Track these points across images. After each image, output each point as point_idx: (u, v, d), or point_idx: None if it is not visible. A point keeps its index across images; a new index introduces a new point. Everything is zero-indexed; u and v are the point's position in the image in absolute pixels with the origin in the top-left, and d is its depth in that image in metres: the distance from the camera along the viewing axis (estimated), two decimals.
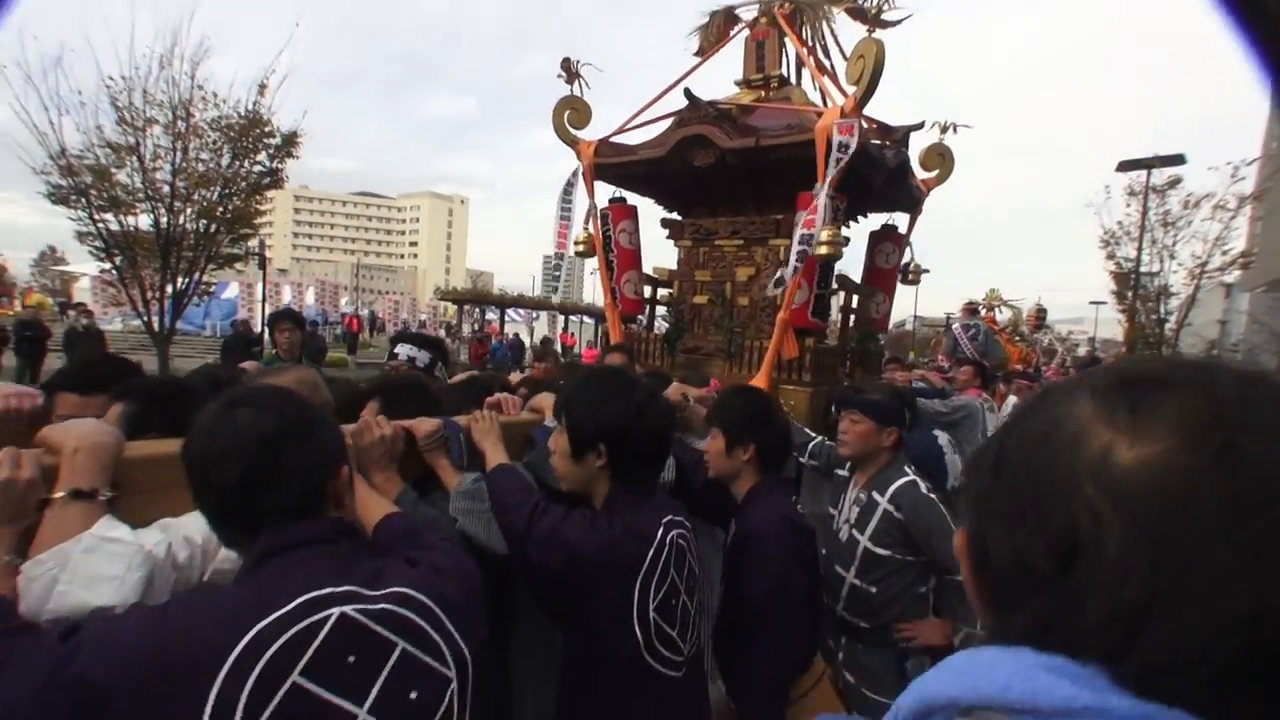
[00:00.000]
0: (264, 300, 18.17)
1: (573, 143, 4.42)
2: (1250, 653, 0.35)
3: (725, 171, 3.95)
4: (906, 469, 2.32)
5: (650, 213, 4.88)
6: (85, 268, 22.00)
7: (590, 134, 4.41)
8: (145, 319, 12.27)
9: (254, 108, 12.14)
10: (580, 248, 4.56)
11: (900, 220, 4.72)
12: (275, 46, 12.32)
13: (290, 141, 12.67)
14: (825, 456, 2.85)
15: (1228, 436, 0.37)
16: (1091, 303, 28.91)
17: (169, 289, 12.26)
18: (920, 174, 4.50)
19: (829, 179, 3.29)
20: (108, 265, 12.58)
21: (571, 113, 4.40)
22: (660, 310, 4.89)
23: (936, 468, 3.24)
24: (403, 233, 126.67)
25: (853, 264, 4.77)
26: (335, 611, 0.87)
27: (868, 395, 2.39)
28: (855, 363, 4.72)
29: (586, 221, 4.54)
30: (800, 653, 1.82)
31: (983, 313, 10.03)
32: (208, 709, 0.78)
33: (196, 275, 12.67)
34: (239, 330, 14.35)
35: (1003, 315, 11.47)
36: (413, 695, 0.90)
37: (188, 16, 11.64)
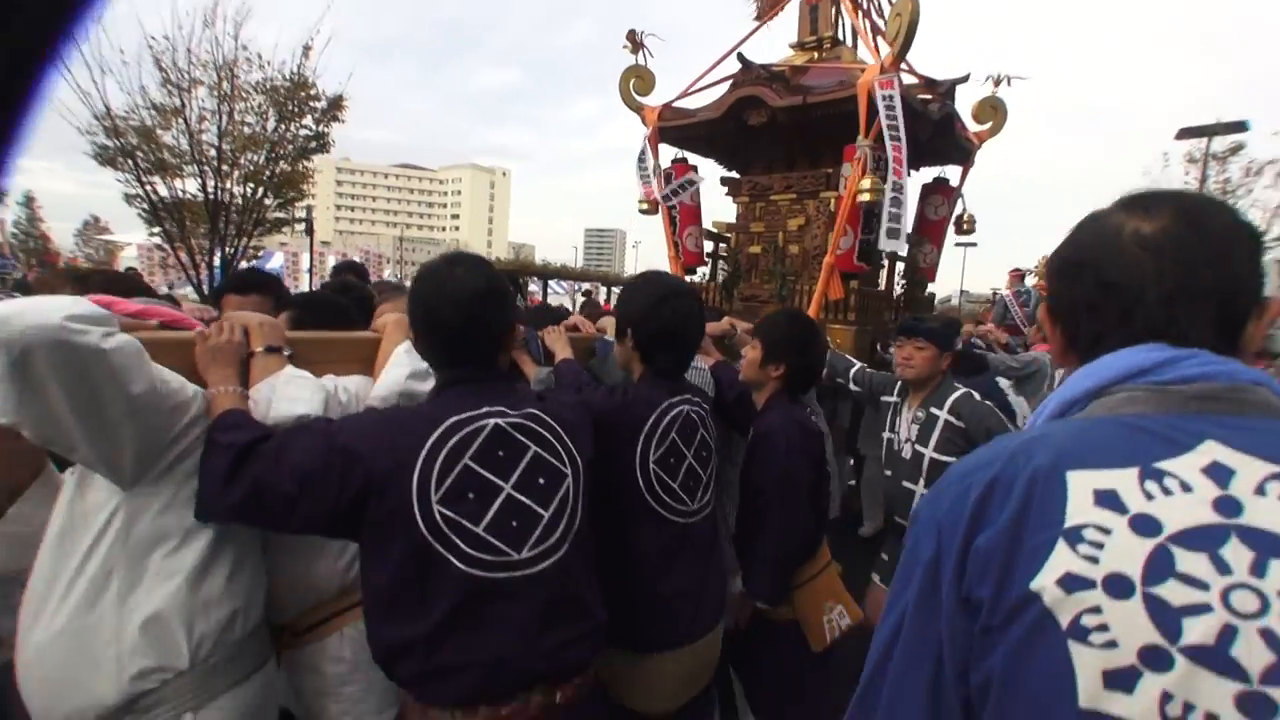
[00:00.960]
0: (311, 270, 18.75)
1: (638, 109, 4.83)
2: (1217, 312, 0.72)
3: (777, 129, 4.22)
4: (957, 385, 2.62)
5: (712, 173, 5.29)
6: (130, 237, 22.91)
7: (653, 100, 4.82)
8: (196, 285, 12.81)
9: (299, 70, 12.43)
10: (645, 206, 4.95)
11: (953, 173, 4.91)
12: (317, 10, 12.56)
13: (335, 105, 12.96)
14: (868, 383, 3.07)
15: (1195, 216, 0.74)
16: None
17: (217, 255, 12.78)
18: (973, 127, 4.69)
19: (894, 135, 3.58)
20: (155, 230, 13.12)
21: (636, 80, 4.82)
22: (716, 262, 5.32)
23: (1002, 404, 3.60)
24: (444, 205, 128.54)
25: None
26: (491, 421, 1.32)
27: (929, 324, 2.70)
28: (904, 307, 5.01)
29: (652, 182, 4.91)
30: (802, 539, 2.04)
31: (1032, 280, 9.86)
32: (416, 473, 1.24)
33: (244, 241, 13.17)
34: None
35: None
36: (540, 481, 1.35)
37: None
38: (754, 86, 4.18)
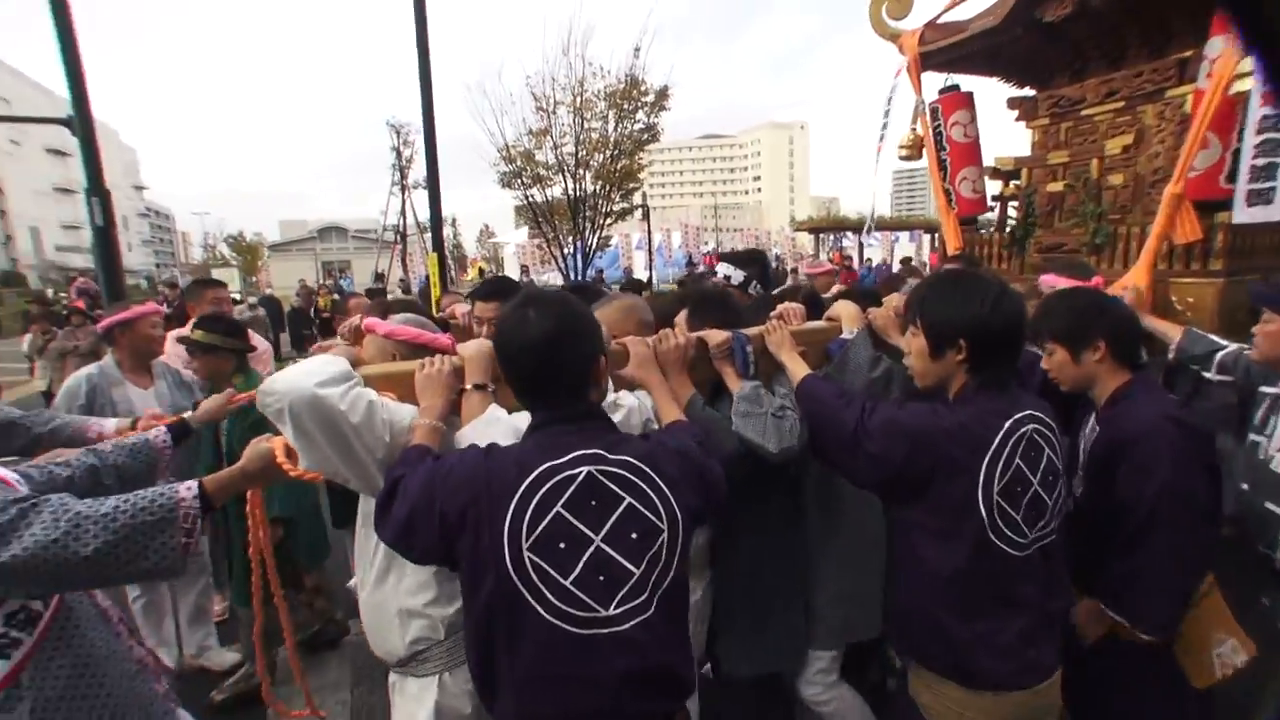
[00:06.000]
0: (649, 248, 21.98)
1: (894, 37, 4.29)
2: None
3: (1090, 20, 3.46)
4: None
5: (993, 96, 4.57)
6: (508, 237, 29.55)
7: (912, 22, 4.24)
8: (563, 271, 16.35)
9: (631, 71, 14.99)
10: (905, 152, 4.49)
11: None
12: (643, 10, 14.95)
13: (662, 96, 15.26)
14: (1244, 370, 2.33)
15: None
16: None
17: (579, 245, 16.09)
18: None
19: None
20: (535, 232, 16.93)
21: (890, 3, 4.28)
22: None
23: None
24: (745, 169, 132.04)
25: None
26: (585, 470, 1.34)
27: None
28: None
29: (914, 121, 4.42)
30: (1203, 563, 1.87)
31: None
32: (508, 518, 1.30)
33: (597, 234, 16.33)
34: (631, 279, 18.02)
35: None
36: (633, 536, 1.34)
37: (578, 7, 15.09)
38: None
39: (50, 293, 21.83)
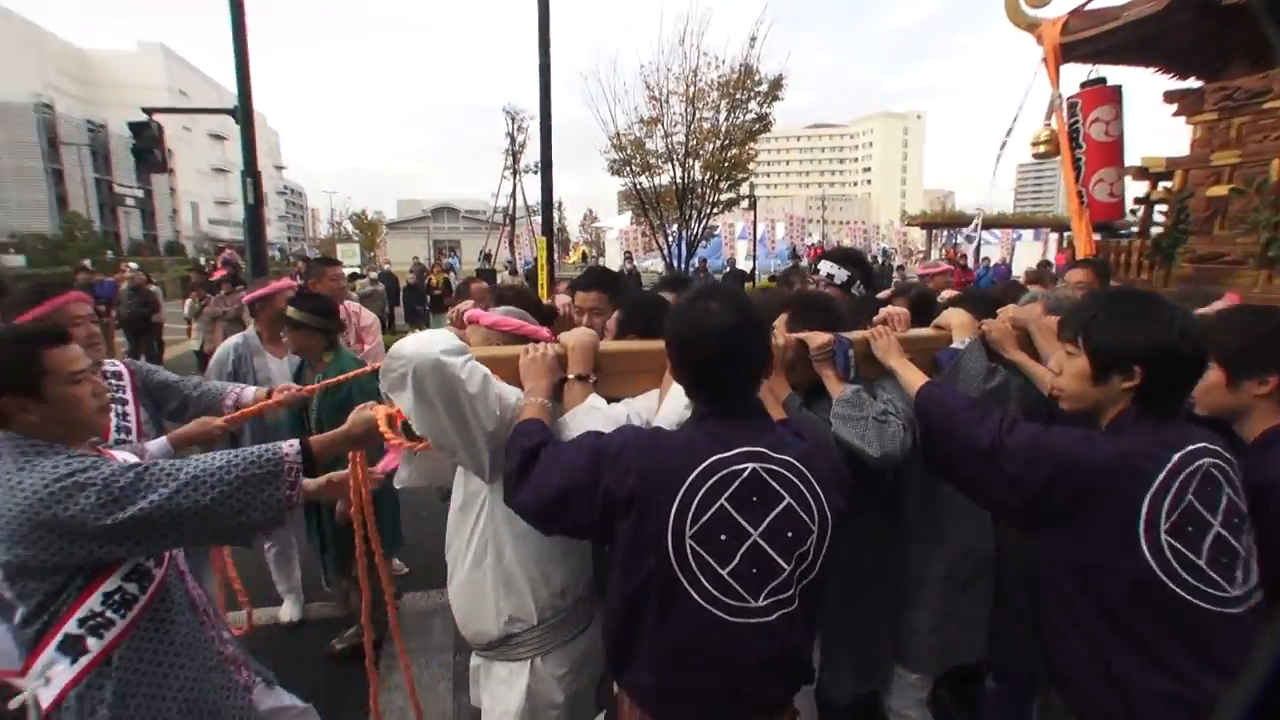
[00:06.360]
0: (754, 239, 21.85)
1: (1031, 26, 3.99)
2: None
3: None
4: None
5: (1144, 87, 4.13)
6: (611, 222, 30.06)
7: (1053, 11, 3.98)
8: (668, 261, 16.47)
9: (746, 60, 14.76)
10: (1042, 148, 4.20)
11: None
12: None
13: (775, 86, 15.01)
14: None
15: None
16: None
17: (684, 234, 16.13)
18: None
19: None
20: (631, 215, 16.98)
21: None
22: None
23: None
24: (855, 160, 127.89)
25: None
26: (750, 466, 1.37)
27: None
28: None
29: (1048, 116, 4.08)
30: None
31: None
32: (674, 506, 1.35)
33: (703, 223, 16.31)
34: (734, 270, 17.92)
35: None
36: (789, 534, 1.38)
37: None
38: None
39: (203, 261, 24.09)
